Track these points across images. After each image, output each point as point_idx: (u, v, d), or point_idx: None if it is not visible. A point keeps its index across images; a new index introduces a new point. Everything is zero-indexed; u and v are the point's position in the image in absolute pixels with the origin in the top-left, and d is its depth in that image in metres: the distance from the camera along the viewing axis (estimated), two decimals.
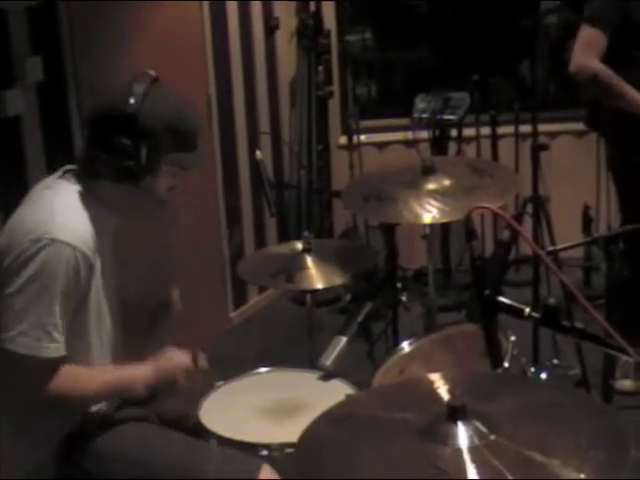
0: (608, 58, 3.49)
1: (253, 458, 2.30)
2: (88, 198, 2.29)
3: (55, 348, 2.16)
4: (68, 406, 2.28)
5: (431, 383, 1.80)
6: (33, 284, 2.13)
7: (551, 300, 1.83)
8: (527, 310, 1.84)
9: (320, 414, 1.80)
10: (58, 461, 2.33)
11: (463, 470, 1.51)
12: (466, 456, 1.54)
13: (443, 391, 1.75)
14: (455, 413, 1.60)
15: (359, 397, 2.20)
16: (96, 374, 2.32)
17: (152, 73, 2.32)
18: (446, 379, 1.81)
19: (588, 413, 1.70)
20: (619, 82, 3.50)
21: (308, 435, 1.74)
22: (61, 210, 2.21)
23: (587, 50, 3.49)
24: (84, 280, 2.21)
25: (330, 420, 1.78)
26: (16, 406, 2.27)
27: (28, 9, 3.67)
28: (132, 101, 2.22)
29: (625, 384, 3.76)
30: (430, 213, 2.83)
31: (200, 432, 2.42)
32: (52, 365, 2.18)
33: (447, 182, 2.94)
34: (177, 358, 2.40)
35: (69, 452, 2.33)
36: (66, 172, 2.34)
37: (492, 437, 1.57)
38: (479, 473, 1.50)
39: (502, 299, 1.86)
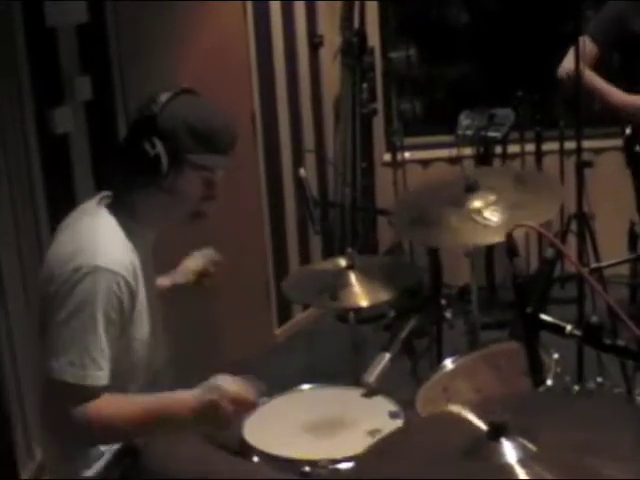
0: (620, 77, 3.72)
1: None
2: (127, 222, 2.29)
3: (101, 376, 2.16)
4: (109, 436, 2.25)
5: (468, 409, 1.80)
6: (78, 313, 2.13)
7: (594, 318, 1.82)
8: (569, 328, 1.84)
9: (367, 448, 1.81)
10: (111, 471, 2.33)
11: None
12: (514, 470, 1.54)
13: (482, 414, 1.74)
14: (497, 431, 1.60)
15: (398, 430, 2.21)
16: (137, 400, 2.27)
17: (184, 85, 2.33)
18: (485, 401, 1.81)
19: (633, 423, 1.69)
20: (595, 81, 3.80)
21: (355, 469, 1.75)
22: (102, 237, 2.22)
23: (576, 59, 3.65)
24: (127, 306, 2.20)
25: (376, 453, 1.80)
26: (66, 434, 2.25)
27: (78, 28, 3.74)
28: (153, 106, 2.24)
29: None
30: (475, 233, 2.83)
31: (243, 448, 2.43)
32: (96, 393, 2.16)
33: (491, 198, 2.93)
34: (225, 384, 2.22)
35: (122, 464, 2.34)
36: (103, 198, 2.36)
37: (538, 450, 1.57)
38: None
39: (544, 317, 1.86)
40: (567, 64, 3.86)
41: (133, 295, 2.22)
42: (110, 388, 2.20)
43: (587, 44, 3.75)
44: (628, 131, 3.87)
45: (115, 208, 2.31)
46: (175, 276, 2.77)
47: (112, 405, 2.19)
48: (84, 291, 2.13)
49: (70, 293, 2.14)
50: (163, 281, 2.70)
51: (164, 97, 2.26)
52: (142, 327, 2.31)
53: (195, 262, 2.81)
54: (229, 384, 2.22)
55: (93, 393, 2.16)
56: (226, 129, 2.32)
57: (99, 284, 2.14)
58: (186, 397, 2.22)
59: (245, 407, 2.24)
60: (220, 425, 2.24)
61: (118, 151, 2.35)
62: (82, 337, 2.14)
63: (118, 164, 2.33)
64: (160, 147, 2.22)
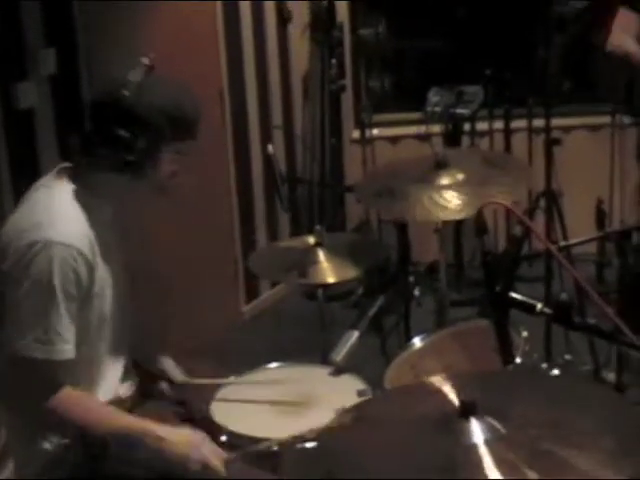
0: None
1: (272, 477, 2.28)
2: (84, 195, 2.26)
3: (68, 349, 2.16)
4: (66, 428, 2.24)
5: (443, 382, 1.79)
6: (36, 289, 2.12)
7: (563, 296, 1.81)
8: (539, 306, 1.83)
9: (333, 418, 1.80)
10: (76, 455, 2.29)
11: (478, 465, 1.51)
12: (480, 451, 1.54)
13: (455, 389, 1.74)
14: (467, 410, 1.59)
15: (372, 399, 2.21)
16: (108, 411, 2.27)
17: (146, 61, 2.28)
18: (458, 377, 1.81)
19: (599, 402, 1.70)
20: None
21: (321, 438, 1.74)
22: (56, 211, 2.20)
23: (621, 31, 3.59)
24: (85, 280, 2.19)
25: (343, 422, 1.79)
26: (32, 412, 2.23)
27: (42, 1, 3.67)
28: (127, 92, 2.21)
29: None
30: (442, 208, 2.82)
31: (210, 427, 2.41)
32: (63, 367, 2.16)
33: (460, 176, 2.93)
34: (203, 445, 2.22)
35: (88, 448, 2.29)
36: (61, 170, 2.32)
37: (505, 431, 1.57)
38: (495, 467, 1.49)
39: (514, 295, 1.85)
40: (614, 39, 3.64)
41: (91, 268, 2.20)
42: (75, 363, 2.19)
43: (629, 15, 3.65)
44: None
45: (74, 182, 2.28)
46: None
47: (83, 403, 2.21)
48: (40, 266, 2.12)
49: (26, 269, 2.12)
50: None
51: (134, 78, 2.23)
52: (105, 301, 2.28)
53: None
54: (207, 449, 2.20)
55: (61, 366, 2.16)
56: (197, 113, 2.31)
57: (54, 258, 2.12)
58: (161, 433, 2.19)
59: (211, 474, 2.19)
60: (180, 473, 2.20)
61: (84, 131, 2.30)
62: (44, 313, 2.12)
63: (84, 144, 2.29)
64: (141, 137, 2.20)
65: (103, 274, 2.27)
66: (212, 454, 2.20)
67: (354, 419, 1.79)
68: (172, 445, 2.18)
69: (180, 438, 2.20)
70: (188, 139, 2.29)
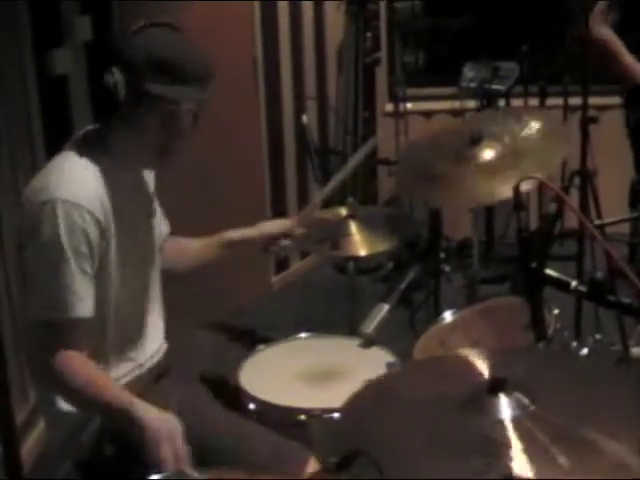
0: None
1: (303, 448, 2.26)
2: (105, 161, 2.25)
3: (83, 306, 2.14)
4: (60, 389, 2.22)
5: (472, 357, 1.79)
6: (45, 249, 2.12)
7: (598, 274, 1.80)
8: (574, 283, 1.82)
9: (358, 390, 1.80)
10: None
11: (506, 441, 1.50)
12: (508, 427, 1.53)
13: (484, 365, 1.73)
14: (497, 385, 1.59)
15: (398, 372, 2.20)
16: (102, 382, 2.18)
17: (168, 20, 2.28)
18: (488, 352, 1.80)
19: (629, 384, 1.68)
20: (620, 50, 3.87)
21: (347, 411, 1.75)
22: (68, 172, 2.19)
23: (596, 19, 3.82)
24: (96, 240, 2.17)
25: (369, 397, 1.79)
26: (42, 374, 2.23)
27: None
28: (120, 37, 2.23)
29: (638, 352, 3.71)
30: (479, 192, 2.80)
31: (239, 395, 2.42)
32: (80, 325, 2.15)
33: (496, 148, 2.90)
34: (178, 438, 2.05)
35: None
36: (80, 136, 2.33)
37: (534, 408, 1.56)
38: (522, 444, 1.49)
39: (549, 271, 1.84)
40: (590, 28, 3.76)
41: (102, 229, 2.19)
42: (90, 325, 2.18)
43: (603, 4, 3.88)
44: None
45: (90, 145, 2.28)
46: (246, 231, 2.87)
47: (82, 368, 2.15)
48: (47, 226, 2.12)
49: (34, 230, 2.13)
50: (232, 234, 2.84)
51: (134, 28, 2.22)
52: (123, 270, 2.27)
53: (272, 225, 2.89)
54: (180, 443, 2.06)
55: (78, 324, 2.14)
56: (192, 60, 2.23)
57: (60, 217, 2.11)
58: (141, 410, 2.08)
59: (175, 463, 2.02)
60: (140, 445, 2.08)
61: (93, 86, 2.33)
62: (55, 272, 2.12)
63: (94, 100, 2.33)
64: (118, 76, 2.17)
65: (123, 242, 2.26)
66: (183, 451, 2.04)
67: (382, 392, 1.79)
68: (147, 429, 2.04)
69: (159, 424, 2.06)
70: (173, 83, 2.19)
